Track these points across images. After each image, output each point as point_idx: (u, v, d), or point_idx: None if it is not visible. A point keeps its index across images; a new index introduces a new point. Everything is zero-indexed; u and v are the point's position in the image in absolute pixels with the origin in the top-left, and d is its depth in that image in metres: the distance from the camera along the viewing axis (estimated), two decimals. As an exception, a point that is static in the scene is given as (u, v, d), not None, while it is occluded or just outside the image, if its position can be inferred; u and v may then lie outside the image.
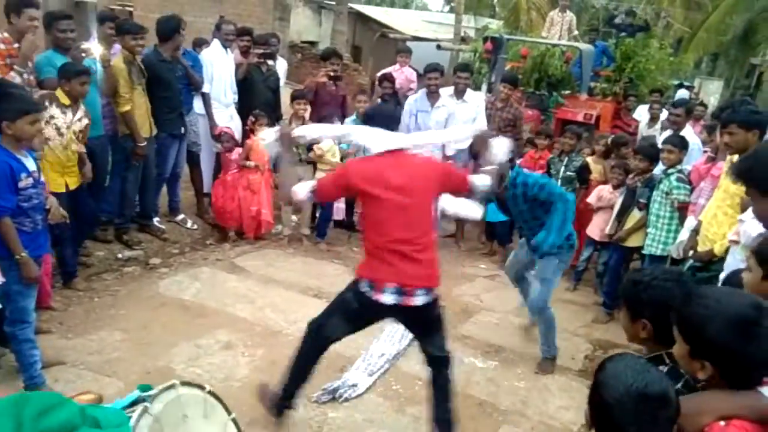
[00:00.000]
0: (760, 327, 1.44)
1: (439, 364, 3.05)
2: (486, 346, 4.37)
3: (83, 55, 4.52)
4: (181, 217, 5.88)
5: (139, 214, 5.47)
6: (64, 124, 4.10)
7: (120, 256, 5.06)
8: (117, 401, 1.62)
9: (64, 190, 4.12)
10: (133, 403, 1.57)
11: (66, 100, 4.09)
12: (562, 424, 3.56)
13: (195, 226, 5.87)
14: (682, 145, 4.62)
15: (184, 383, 1.71)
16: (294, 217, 6.17)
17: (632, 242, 4.95)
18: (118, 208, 5.16)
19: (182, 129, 5.48)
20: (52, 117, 4.04)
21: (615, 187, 5.39)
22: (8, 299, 3.03)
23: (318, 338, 3.04)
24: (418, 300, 2.80)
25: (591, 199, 5.52)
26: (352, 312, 2.93)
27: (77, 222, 4.26)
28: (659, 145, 4.85)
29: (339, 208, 6.07)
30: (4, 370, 3.46)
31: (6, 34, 4.04)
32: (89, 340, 3.87)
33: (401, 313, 2.91)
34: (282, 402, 3.11)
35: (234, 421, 1.85)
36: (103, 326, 4.05)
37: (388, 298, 2.77)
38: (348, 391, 3.58)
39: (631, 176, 5.03)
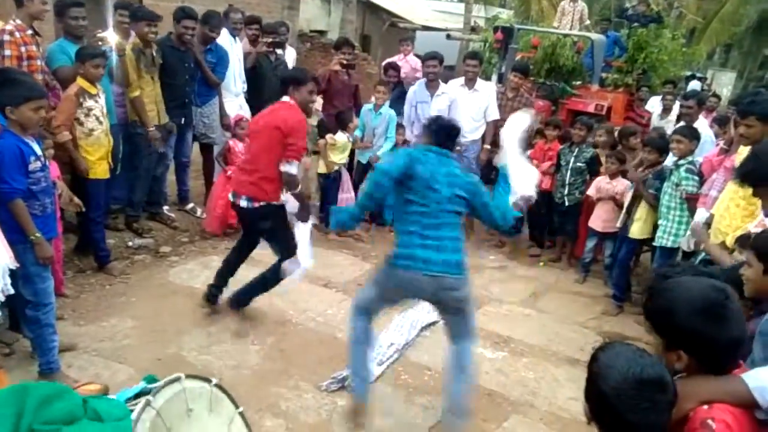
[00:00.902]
0: (726, 308, 1.47)
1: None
2: (495, 337, 4.37)
3: (99, 43, 4.53)
4: (190, 205, 5.90)
5: (149, 202, 5.49)
6: (100, 111, 4.20)
7: (131, 244, 5.09)
8: (122, 391, 1.60)
9: (108, 176, 4.37)
10: (138, 395, 1.55)
11: (93, 89, 4.15)
12: (570, 414, 3.56)
13: (204, 215, 5.88)
14: (692, 135, 4.59)
15: (190, 376, 1.68)
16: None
17: (640, 234, 4.93)
18: (129, 196, 5.19)
19: (183, 119, 5.44)
20: (90, 109, 4.14)
21: (611, 177, 5.38)
22: (28, 282, 3.06)
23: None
24: (242, 202, 3.85)
25: (590, 191, 5.51)
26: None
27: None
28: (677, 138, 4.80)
29: (348, 198, 6.05)
30: (17, 355, 3.49)
31: (19, 21, 4.05)
32: (101, 326, 3.90)
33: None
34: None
35: (241, 414, 1.83)
36: (115, 313, 4.08)
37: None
38: (357, 380, 3.59)
39: (641, 168, 4.99)
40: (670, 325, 1.52)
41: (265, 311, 4.33)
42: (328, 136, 5.78)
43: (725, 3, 19.60)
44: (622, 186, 5.27)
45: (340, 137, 5.85)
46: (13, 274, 2.91)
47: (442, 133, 3.16)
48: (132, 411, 1.45)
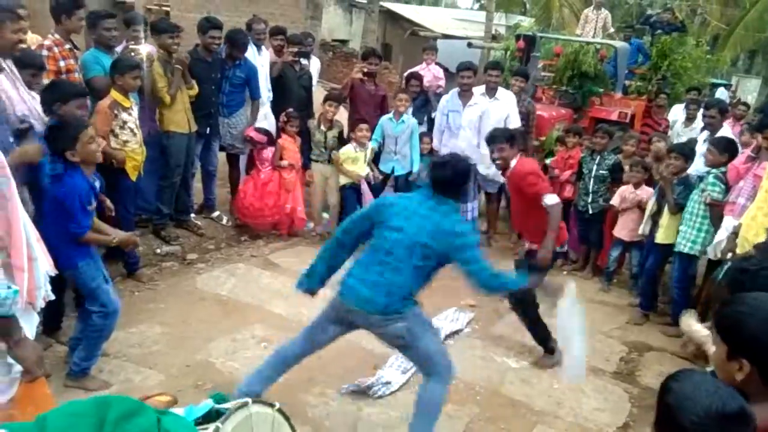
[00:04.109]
0: None
1: None
2: (519, 347, 4.36)
3: (132, 54, 4.64)
4: (216, 213, 5.99)
5: (176, 210, 5.59)
6: (134, 123, 4.31)
7: (158, 251, 5.18)
8: (189, 407, 1.65)
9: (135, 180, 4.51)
10: (206, 415, 1.59)
11: (126, 102, 4.27)
12: (596, 425, 3.55)
13: (230, 223, 5.97)
14: (723, 148, 4.54)
15: (256, 401, 1.72)
16: (325, 215, 6.23)
17: (665, 239, 4.88)
18: (156, 204, 5.28)
19: (208, 129, 5.51)
20: (124, 122, 4.27)
21: (636, 186, 5.34)
22: (94, 296, 3.29)
23: None
24: None
25: (614, 201, 5.49)
26: None
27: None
28: (703, 146, 4.78)
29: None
30: (50, 361, 3.56)
31: (57, 36, 4.17)
32: (130, 333, 3.96)
33: None
34: None
35: None
36: (144, 320, 4.16)
37: None
38: (381, 389, 3.62)
39: (667, 172, 4.93)
40: (739, 333, 1.50)
41: (290, 319, 4.37)
42: (333, 153, 5.82)
43: (749, 9, 19.32)
44: (646, 194, 5.24)
45: (347, 149, 5.87)
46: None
47: (443, 181, 3.00)
48: None
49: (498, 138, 4.07)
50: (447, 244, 2.89)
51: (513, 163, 4.03)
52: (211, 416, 1.65)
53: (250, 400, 1.69)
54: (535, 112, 6.68)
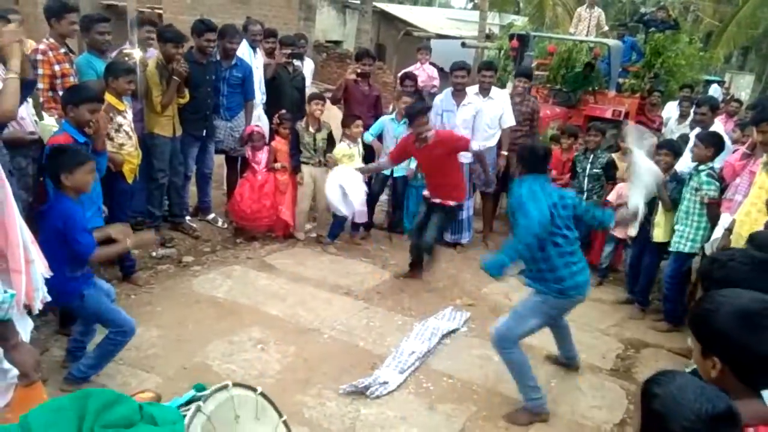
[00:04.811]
0: (766, 319, 1.46)
1: None
2: (516, 345, 4.37)
3: (126, 59, 4.64)
4: (212, 216, 5.98)
5: (171, 213, 5.58)
6: (129, 126, 4.30)
7: (154, 254, 5.17)
8: (174, 399, 1.67)
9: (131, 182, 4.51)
10: (188, 402, 1.61)
11: (121, 105, 4.27)
12: (594, 423, 3.56)
13: (225, 225, 5.96)
14: (710, 142, 4.55)
15: (237, 384, 1.73)
16: (308, 225, 6.25)
17: (662, 237, 4.90)
18: (147, 207, 5.26)
19: (204, 131, 5.51)
20: (119, 125, 4.25)
21: None
22: (106, 320, 3.35)
23: None
24: None
25: (611, 197, 5.50)
26: None
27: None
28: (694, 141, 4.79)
29: (361, 212, 6.02)
30: (47, 366, 3.55)
31: (52, 40, 4.17)
32: (127, 336, 3.96)
33: None
34: None
35: (285, 423, 1.88)
36: (140, 323, 4.11)
37: None
38: (379, 389, 3.62)
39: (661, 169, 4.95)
40: (708, 329, 1.51)
41: (287, 320, 4.38)
42: (328, 155, 5.82)
43: (742, 6, 19.40)
44: None
45: (340, 146, 5.86)
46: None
47: (540, 159, 3.51)
48: (184, 416, 1.50)
49: (420, 113, 4.83)
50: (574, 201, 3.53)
51: (431, 134, 4.86)
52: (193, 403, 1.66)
53: (230, 383, 1.70)
54: (539, 111, 6.70)
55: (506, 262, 3.36)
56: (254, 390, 1.79)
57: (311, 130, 5.79)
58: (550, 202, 3.32)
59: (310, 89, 6.89)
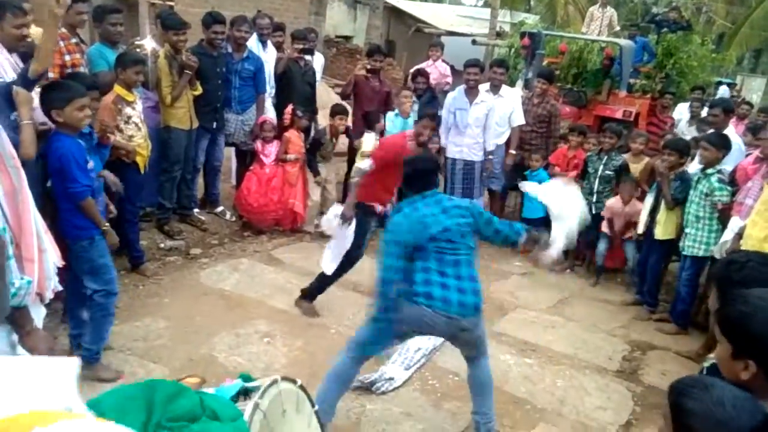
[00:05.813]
0: None
1: None
2: (522, 344, 4.36)
3: (137, 50, 4.65)
4: (220, 208, 5.99)
5: (179, 205, 5.60)
6: (138, 118, 4.30)
7: (162, 245, 5.19)
8: (221, 387, 1.68)
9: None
10: (238, 394, 1.63)
11: (130, 96, 4.26)
12: (599, 424, 3.55)
13: (233, 218, 5.97)
14: (721, 144, 4.52)
15: (284, 378, 1.75)
16: (316, 220, 6.25)
17: (663, 235, 4.89)
18: (158, 199, 5.28)
19: (214, 124, 5.52)
20: (129, 117, 4.25)
21: (626, 203, 5.46)
22: (98, 274, 3.26)
23: None
24: None
25: (604, 212, 5.55)
26: None
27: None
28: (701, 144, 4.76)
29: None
30: (57, 353, 3.57)
31: (63, 30, 4.16)
32: (135, 326, 3.98)
33: None
34: None
35: (316, 413, 1.92)
36: (148, 314, 4.17)
37: None
38: (385, 384, 3.62)
39: (662, 168, 4.90)
40: (745, 332, 1.47)
41: (293, 314, 4.39)
42: (357, 142, 5.84)
43: (755, 8, 19.25)
44: (634, 210, 5.30)
45: (367, 141, 5.87)
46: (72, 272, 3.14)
47: (420, 176, 3.06)
48: (242, 411, 1.51)
49: (432, 116, 4.48)
50: (470, 211, 3.04)
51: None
52: (240, 395, 1.69)
53: (279, 377, 1.71)
54: (559, 115, 6.64)
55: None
56: (295, 382, 1.80)
57: (333, 141, 5.99)
58: (435, 230, 2.89)
59: (320, 84, 6.88)
